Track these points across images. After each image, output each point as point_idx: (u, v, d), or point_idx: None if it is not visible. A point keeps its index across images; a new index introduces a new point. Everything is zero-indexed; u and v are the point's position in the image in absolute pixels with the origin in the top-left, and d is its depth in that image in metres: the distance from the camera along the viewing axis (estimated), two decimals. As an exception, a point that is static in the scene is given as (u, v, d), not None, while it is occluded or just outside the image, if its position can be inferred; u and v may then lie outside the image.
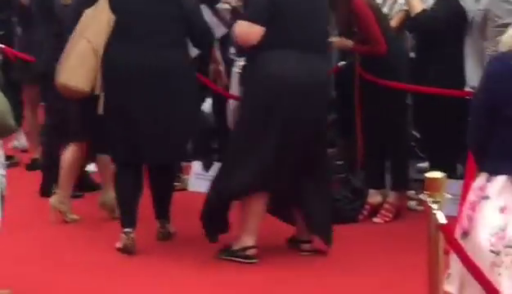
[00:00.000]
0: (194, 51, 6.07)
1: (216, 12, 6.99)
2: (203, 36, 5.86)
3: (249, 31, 5.53)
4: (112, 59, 5.60)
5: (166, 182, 5.94)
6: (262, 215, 5.54)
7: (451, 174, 5.89)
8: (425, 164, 6.81)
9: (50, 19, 6.60)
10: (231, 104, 6.78)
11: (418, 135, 7.04)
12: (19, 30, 8.10)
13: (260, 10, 5.51)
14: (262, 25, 5.46)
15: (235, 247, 5.50)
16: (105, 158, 6.11)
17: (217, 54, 6.40)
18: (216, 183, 5.56)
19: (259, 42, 5.45)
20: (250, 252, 5.48)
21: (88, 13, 5.67)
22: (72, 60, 5.60)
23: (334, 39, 6.36)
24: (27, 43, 7.56)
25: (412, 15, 6.27)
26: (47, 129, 6.94)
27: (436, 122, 6.30)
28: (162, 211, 5.89)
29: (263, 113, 5.37)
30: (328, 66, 5.94)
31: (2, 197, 4.71)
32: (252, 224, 5.47)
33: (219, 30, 6.81)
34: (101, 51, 5.58)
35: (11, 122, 4.90)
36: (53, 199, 6.26)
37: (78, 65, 5.56)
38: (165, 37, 5.59)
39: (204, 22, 5.93)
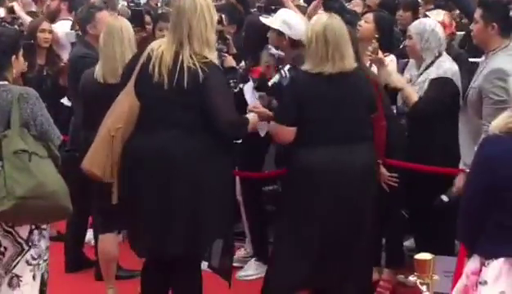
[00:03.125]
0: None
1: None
2: (226, 131, 5.36)
3: (280, 132, 5.69)
4: (129, 147, 5.36)
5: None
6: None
7: (449, 251, 5.87)
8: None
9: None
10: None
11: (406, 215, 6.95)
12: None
13: (285, 111, 5.69)
14: (291, 125, 5.58)
15: None
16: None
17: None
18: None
19: (295, 139, 5.59)
20: None
21: (118, 97, 5.46)
22: (93, 145, 5.52)
23: None
24: None
25: (410, 105, 6.37)
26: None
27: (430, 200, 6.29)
28: None
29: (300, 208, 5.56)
30: (365, 153, 5.71)
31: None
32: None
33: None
34: (118, 136, 5.37)
35: (67, 204, 4.91)
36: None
37: (96, 151, 5.46)
38: (180, 124, 5.27)
39: (229, 113, 5.37)
